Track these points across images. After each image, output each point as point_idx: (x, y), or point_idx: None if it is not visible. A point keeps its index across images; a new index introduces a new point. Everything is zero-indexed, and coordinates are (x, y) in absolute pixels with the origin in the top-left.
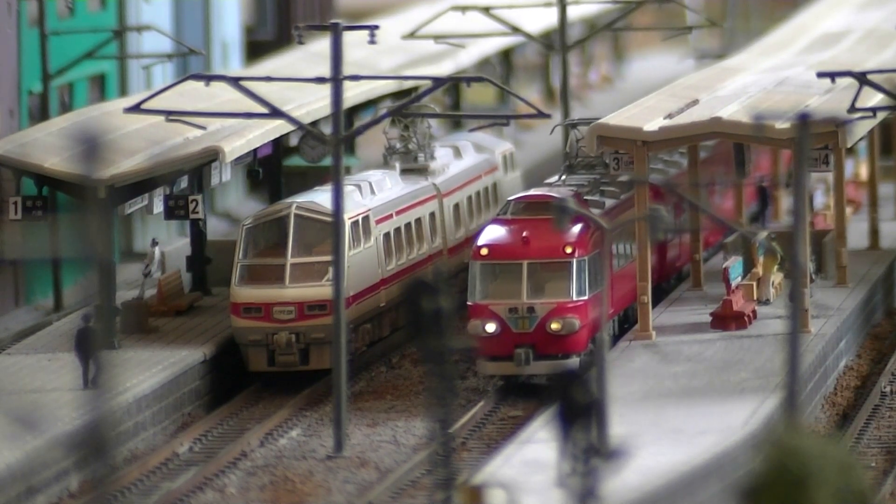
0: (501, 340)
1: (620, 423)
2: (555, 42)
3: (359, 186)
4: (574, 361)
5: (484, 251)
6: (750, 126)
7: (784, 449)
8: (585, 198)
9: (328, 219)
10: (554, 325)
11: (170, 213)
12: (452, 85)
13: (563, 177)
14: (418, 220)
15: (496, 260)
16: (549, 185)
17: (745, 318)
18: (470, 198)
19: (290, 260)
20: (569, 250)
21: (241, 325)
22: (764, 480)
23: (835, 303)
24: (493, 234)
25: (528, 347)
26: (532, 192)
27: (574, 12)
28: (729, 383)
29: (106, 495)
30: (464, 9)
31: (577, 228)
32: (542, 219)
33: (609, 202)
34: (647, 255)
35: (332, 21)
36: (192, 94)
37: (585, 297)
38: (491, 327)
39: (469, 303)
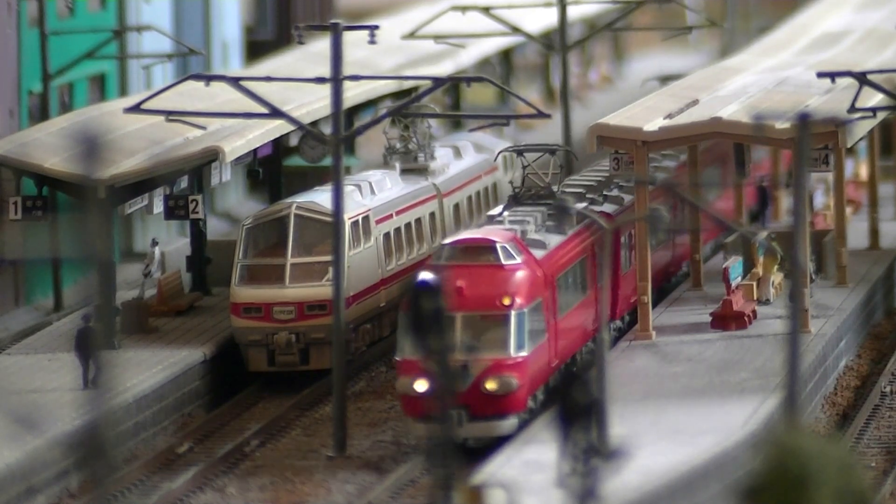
0: (432, 400)
1: (620, 424)
2: (555, 42)
3: (359, 186)
4: (512, 423)
5: None
6: (750, 126)
7: (784, 449)
8: (530, 238)
9: (328, 219)
10: (489, 385)
11: (170, 213)
12: (452, 85)
13: (506, 212)
14: (418, 220)
15: None
16: (491, 219)
17: (745, 318)
18: (470, 198)
19: (290, 260)
20: (507, 301)
21: (241, 325)
22: (764, 480)
23: (835, 303)
24: (426, 281)
25: (461, 408)
26: (468, 234)
27: (574, 12)
28: (729, 383)
29: (106, 495)
30: (464, 9)
31: (517, 276)
32: (479, 265)
33: (553, 239)
34: (646, 254)
35: (332, 21)
36: (192, 94)
37: (525, 353)
38: (421, 385)
39: (397, 358)
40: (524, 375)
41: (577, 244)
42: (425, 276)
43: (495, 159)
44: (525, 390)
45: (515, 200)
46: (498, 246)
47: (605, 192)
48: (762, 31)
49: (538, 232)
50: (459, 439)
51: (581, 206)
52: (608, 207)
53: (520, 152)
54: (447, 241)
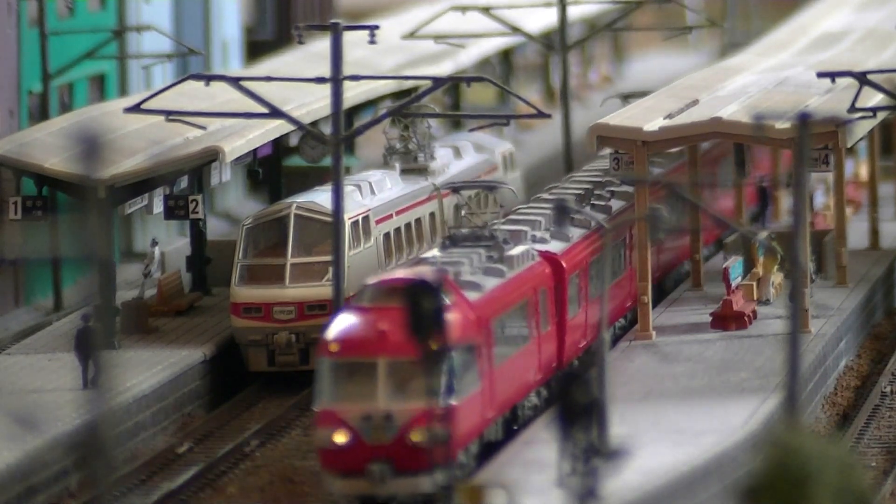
0: (353, 453)
1: (621, 424)
2: (555, 42)
3: (359, 186)
4: (441, 479)
5: (333, 347)
6: (750, 126)
7: (784, 448)
8: (464, 279)
9: (328, 219)
10: (416, 436)
11: (170, 213)
12: (452, 85)
13: (439, 253)
14: (418, 221)
15: (348, 357)
16: (423, 260)
17: (745, 319)
18: (470, 198)
19: (290, 260)
20: (435, 345)
21: (241, 325)
22: (764, 480)
23: (835, 303)
24: (346, 325)
25: (384, 462)
26: (394, 274)
27: (574, 12)
28: (729, 383)
29: (106, 495)
30: (464, 9)
31: (447, 317)
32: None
33: (490, 282)
34: (646, 255)
35: (332, 21)
36: (192, 94)
37: (455, 402)
38: (341, 438)
39: (315, 408)
40: (454, 426)
41: (517, 287)
42: (424, 276)
43: (434, 190)
44: (455, 443)
45: (451, 241)
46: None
47: (552, 228)
48: (762, 32)
49: (474, 274)
50: (383, 497)
51: (521, 248)
52: (556, 246)
53: (456, 189)
54: (370, 281)
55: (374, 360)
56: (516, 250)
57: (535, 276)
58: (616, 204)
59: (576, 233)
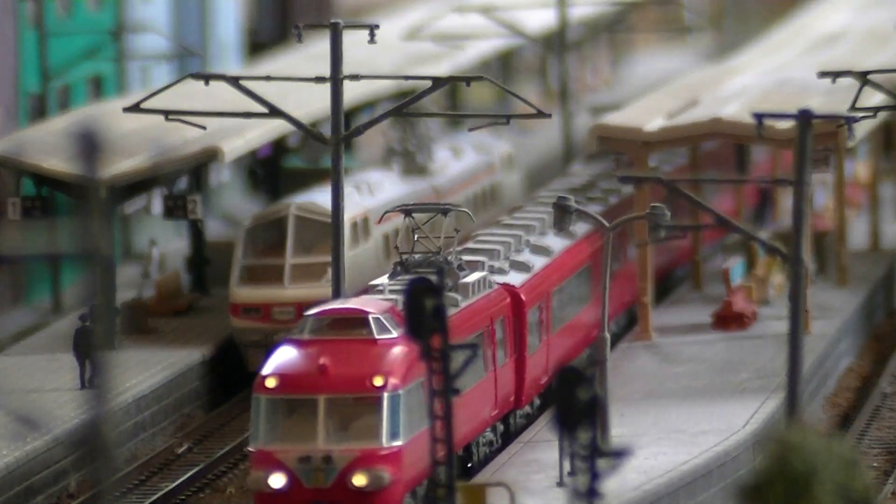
0: (291, 498)
1: (622, 424)
2: (554, 43)
3: (358, 187)
4: None
5: (270, 382)
6: (750, 126)
7: (787, 445)
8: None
9: (327, 219)
10: (357, 479)
11: (168, 214)
12: (451, 85)
13: (389, 281)
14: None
15: (286, 394)
16: (371, 288)
17: (746, 319)
18: (469, 198)
19: (289, 260)
20: (379, 382)
21: (241, 325)
22: (767, 477)
23: (835, 304)
24: (284, 359)
25: None
26: (336, 304)
27: (574, 13)
28: (730, 384)
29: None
30: (463, 10)
31: (392, 353)
32: (348, 340)
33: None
34: (646, 255)
35: (332, 20)
36: (192, 94)
37: (400, 443)
38: (277, 481)
39: (250, 448)
40: (399, 469)
41: (472, 318)
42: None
43: (380, 219)
44: (400, 486)
45: (402, 268)
46: (370, 318)
47: (513, 259)
48: (760, 32)
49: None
50: None
51: (478, 275)
52: (515, 276)
53: (408, 213)
54: (311, 311)
55: (314, 397)
56: (472, 278)
57: (492, 305)
58: (581, 229)
59: (537, 262)
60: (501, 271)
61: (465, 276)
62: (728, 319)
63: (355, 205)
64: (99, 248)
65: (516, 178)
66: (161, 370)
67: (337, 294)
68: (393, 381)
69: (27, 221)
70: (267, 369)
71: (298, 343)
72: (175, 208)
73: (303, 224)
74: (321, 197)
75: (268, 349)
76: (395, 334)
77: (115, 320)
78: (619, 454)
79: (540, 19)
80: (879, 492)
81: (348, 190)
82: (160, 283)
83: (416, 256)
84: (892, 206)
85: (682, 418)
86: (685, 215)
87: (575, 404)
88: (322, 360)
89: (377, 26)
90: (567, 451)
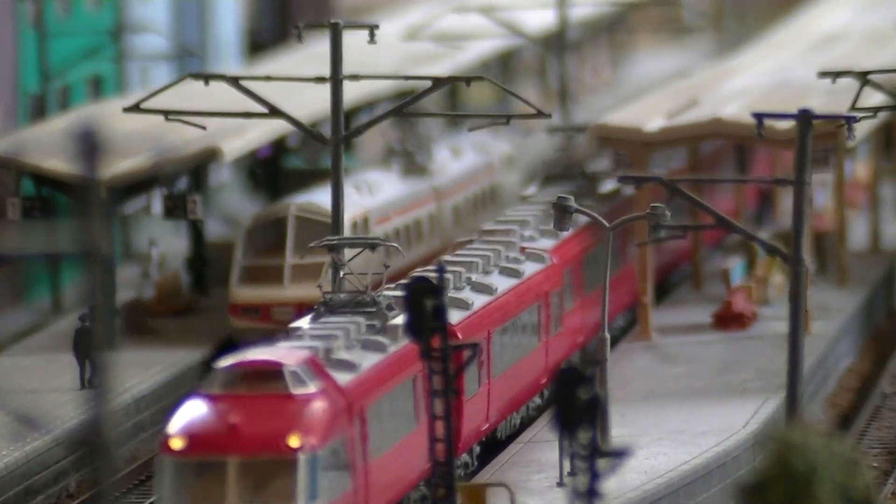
0: None
1: (622, 424)
2: (554, 43)
3: (357, 187)
4: None
5: (176, 443)
6: (750, 126)
7: (788, 445)
8: (336, 357)
9: (327, 219)
10: None
11: (168, 214)
12: (451, 85)
13: (311, 323)
14: (417, 221)
15: (193, 456)
16: (292, 332)
17: (746, 319)
18: (469, 199)
19: (289, 261)
20: (294, 442)
21: (240, 325)
22: (767, 476)
23: (836, 304)
24: (192, 417)
25: None
26: (250, 355)
27: (573, 13)
28: (730, 384)
29: (105, 495)
30: (463, 10)
31: (310, 409)
32: (261, 395)
33: (368, 359)
34: (646, 255)
35: (332, 20)
36: (191, 94)
37: None
38: None
39: None
40: None
41: (402, 363)
42: (422, 274)
43: (302, 255)
44: None
45: (326, 308)
46: (285, 370)
47: (451, 296)
48: (760, 32)
49: (349, 350)
50: None
51: (398, 319)
52: (456, 315)
53: (332, 248)
54: (223, 364)
55: (224, 459)
56: (402, 318)
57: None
58: (530, 267)
59: (477, 300)
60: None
61: (394, 317)
62: (728, 319)
63: (355, 205)
64: (99, 248)
65: (516, 178)
66: (161, 370)
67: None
68: (310, 440)
69: (27, 221)
70: (173, 428)
71: (208, 398)
72: (175, 208)
73: (303, 224)
74: (321, 197)
75: None
76: (312, 388)
77: (115, 320)
78: (619, 454)
79: (540, 19)
80: (879, 492)
81: (348, 190)
82: (160, 284)
83: (342, 295)
84: (892, 206)
85: (682, 418)
86: (685, 216)
87: (575, 404)
88: (232, 419)
89: (377, 26)
90: (567, 451)
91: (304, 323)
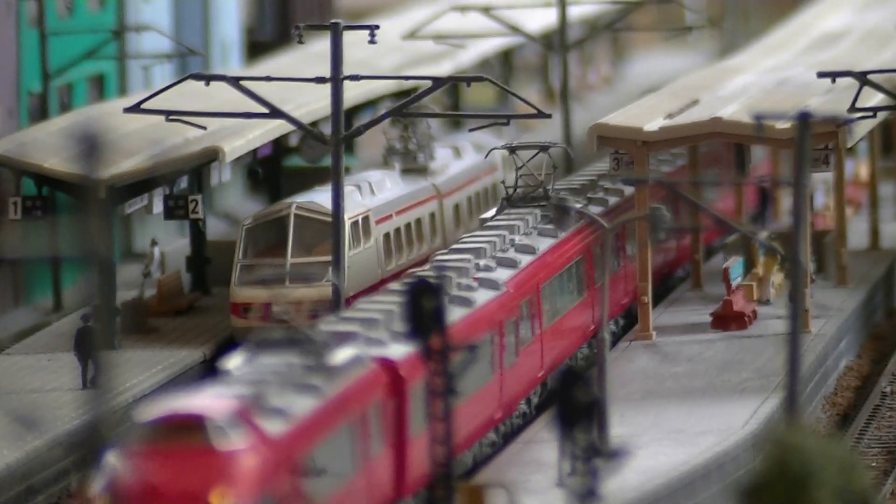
0: None
1: (621, 424)
2: (554, 43)
3: (358, 187)
4: None
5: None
6: (750, 126)
7: (785, 447)
8: (270, 406)
9: (328, 219)
10: None
11: (169, 213)
12: (452, 85)
13: (244, 367)
14: (418, 221)
15: None
16: (226, 374)
17: (746, 319)
18: (470, 198)
19: (289, 260)
20: (216, 501)
21: (241, 325)
22: (765, 478)
23: (835, 303)
24: (113, 475)
25: None
26: (174, 405)
27: (574, 13)
28: (729, 383)
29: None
30: (464, 9)
31: (236, 465)
32: (183, 450)
33: (303, 405)
34: (646, 255)
35: (332, 21)
36: (192, 94)
37: None
38: None
39: None
40: None
41: (340, 407)
42: (421, 275)
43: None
44: None
45: (258, 346)
46: (208, 424)
47: (395, 329)
48: (761, 32)
49: (282, 395)
50: None
51: (348, 353)
52: (397, 349)
53: (265, 281)
54: (146, 416)
55: None
56: (341, 357)
57: (365, 390)
58: (482, 295)
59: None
60: (380, 343)
61: (332, 356)
62: (728, 319)
63: (356, 204)
64: (99, 248)
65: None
66: (162, 370)
67: (338, 295)
68: (234, 498)
69: (28, 221)
70: (94, 487)
71: (130, 455)
72: (176, 208)
73: (303, 224)
74: (322, 196)
75: None
76: (239, 441)
77: (116, 320)
78: (619, 454)
79: (540, 19)
80: (878, 493)
81: (349, 189)
82: (161, 283)
83: (276, 333)
84: (892, 206)
85: (681, 418)
86: (685, 216)
87: (575, 404)
88: (151, 477)
89: (377, 27)
90: (567, 451)
91: (236, 363)
